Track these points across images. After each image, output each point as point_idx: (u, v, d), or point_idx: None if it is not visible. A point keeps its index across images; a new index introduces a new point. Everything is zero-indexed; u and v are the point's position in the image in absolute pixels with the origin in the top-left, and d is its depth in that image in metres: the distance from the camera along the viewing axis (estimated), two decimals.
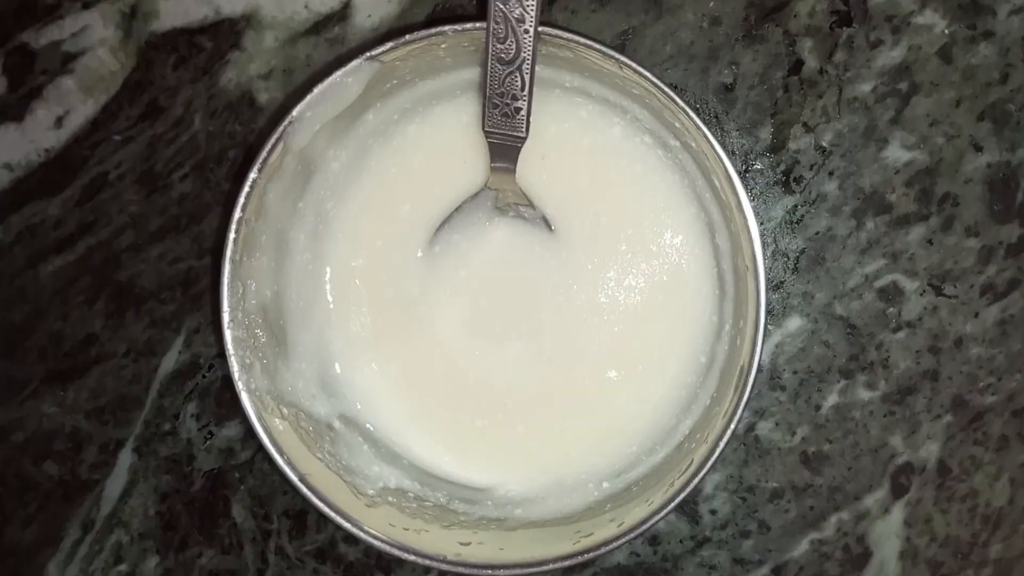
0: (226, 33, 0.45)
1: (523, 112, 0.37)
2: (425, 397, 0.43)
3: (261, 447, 0.45)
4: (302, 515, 0.46)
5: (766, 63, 0.43)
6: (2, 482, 0.47)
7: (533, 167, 0.41)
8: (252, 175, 0.37)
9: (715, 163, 0.35)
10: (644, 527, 0.35)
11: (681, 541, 0.44)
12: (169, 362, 0.47)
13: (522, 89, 0.37)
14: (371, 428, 0.42)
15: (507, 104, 0.37)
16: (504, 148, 0.39)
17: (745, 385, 0.34)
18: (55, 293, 0.47)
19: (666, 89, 0.34)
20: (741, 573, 0.44)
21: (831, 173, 0.43)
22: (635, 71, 0.34)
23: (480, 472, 0.42)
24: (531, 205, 0.41)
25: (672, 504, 0.35)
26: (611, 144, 0.41)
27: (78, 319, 0.47)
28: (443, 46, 0.37)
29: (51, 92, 0.46)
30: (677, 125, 0.36)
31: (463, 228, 0.42)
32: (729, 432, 0.34)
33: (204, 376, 0.47)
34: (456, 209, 0.42)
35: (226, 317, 0.37)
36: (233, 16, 0.45)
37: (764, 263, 0.34)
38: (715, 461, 0.35)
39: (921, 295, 0.43)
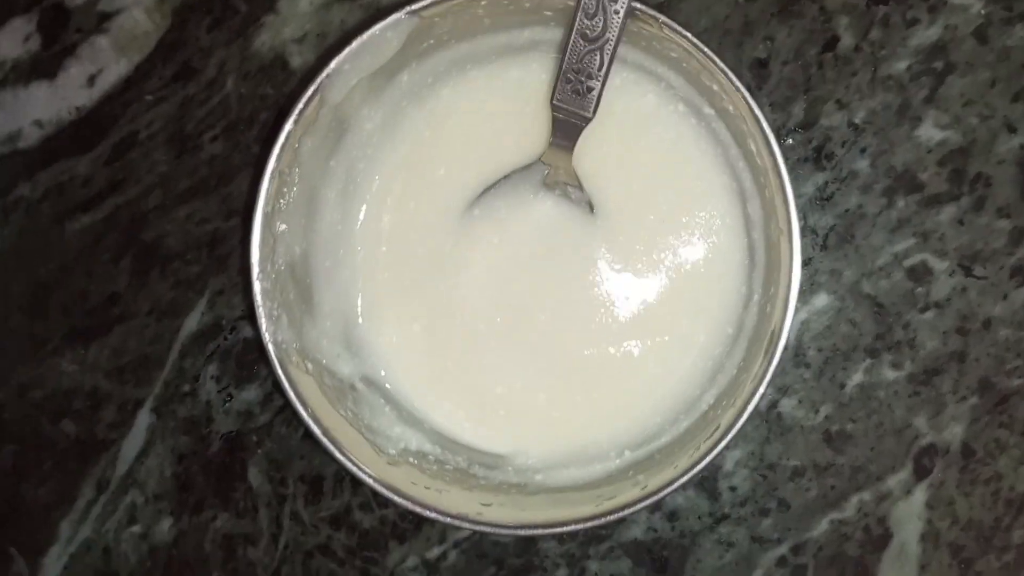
0: None
1: (595, 92, 0.37)
2: (446, 361, 0.42)
3: (281, 410, 0.46)
4: (318, 481, 0.46)
5: (801, 39, 0.43)
6: (19, 439, 0.47)
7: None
8: (288, 126, 0.37)
9: (752, 126, 0.35)
10: (668, 489, 0.35)
11: (700, 517, 0.44)
12: (192, 323, 0.47)
13: (599, 68, 0.37)
14: (391, 390, 0.42)
15: (581, 82, 0.37)
16: (568, 125, 0.39)
17: (775, 349, 0.34)
18: (81, 251, 0.47)
19: (705, 50, 0.34)
20: (759, 551, 0.44)
21: (863, 150, 0.43)
22: (674, 30, 0.35)
23: (500, 439, 0.42)
24: (580, 187, 0.41)
25: (698, 467, 0.35)
26: (644, 111, 0.41)
27: (103, 277, 0.47)
28: (483, 3, 0.37)
29: (85, 50, 0.47)
30: (715, 88, 0.36)
31: (506, 196, 0.42)
32: (758, 395, 0.34)
33: (226, 338, 0.47)
34: (504, 177, 0.41)
35: (255, 269, 0.37)
36: None
37: (799, 225, 0.34)
38: (743, 425, 0.34)
39: (950, 275, 0.43)
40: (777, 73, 0.43)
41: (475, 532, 0.44)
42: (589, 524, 0.35)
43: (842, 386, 0.43)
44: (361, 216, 0.43)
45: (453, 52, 0.41)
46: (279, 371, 0.37)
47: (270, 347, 0.37)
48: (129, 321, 0.47)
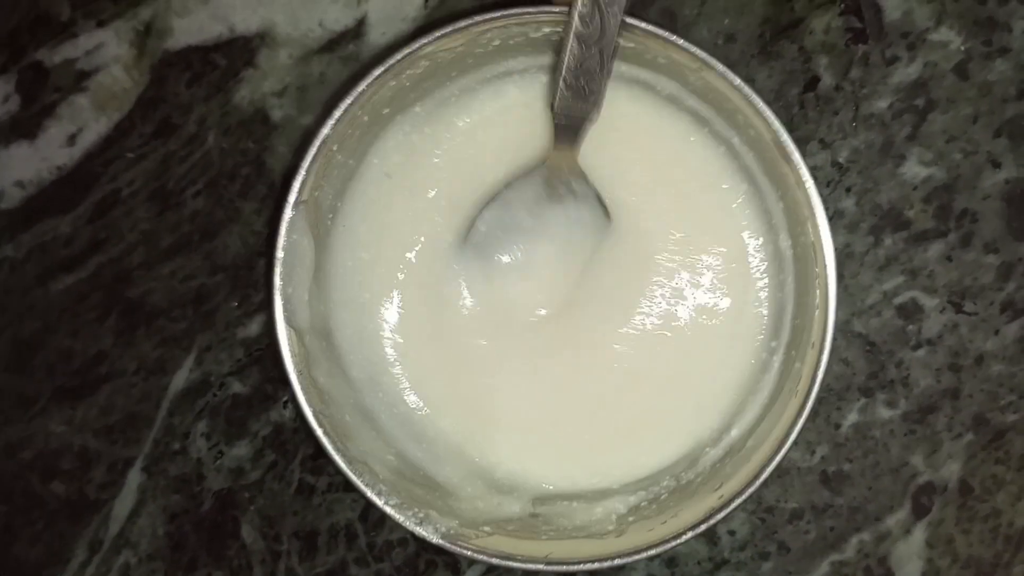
0: (240, 51, 0.45)
1: (597, 92, 0.37)
2: (468, 391, 0.42)
3: (272, 465, 0.46)
4: (312, 536, 0.46)
5: (781, 79, 0.43)
6: (9, 500, 0.47)
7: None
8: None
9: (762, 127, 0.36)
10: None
11: (699, 563, 0.44)
12: (179, 380, 0.46)
13: (600, 69, 0.36)
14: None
15: (581, 85, 0.37)
16: (570, 130, 0.38)
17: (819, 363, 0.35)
18: (65, 310, 0.47)
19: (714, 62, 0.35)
20: None
21: (848, 189, 0.43)
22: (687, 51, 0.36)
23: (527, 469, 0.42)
24: (586, 180, 0.40)
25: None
26: (647, 123, 0.41)
27: (88, 336, 0.47)
28: (459, 47, 0.37)
29: (64, 109, 0.46)
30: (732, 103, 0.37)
31: (511, 210, 0.41)
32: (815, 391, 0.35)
33: (215, 395, 0.46)
34: (507, 187, 0.41)
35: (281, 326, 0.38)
36: (247, 34, 0.45)
37: (831, 247, 0.35)
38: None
39: (941, 312, 0.43)
40: None
41: None
42: (612, 562, 0.36)
43: (837, 426, 0.43)
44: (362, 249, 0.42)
45: (442, 91, 0.41)
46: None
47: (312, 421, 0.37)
48: (116, 380, 0.46)
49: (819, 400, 0.43)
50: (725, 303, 0.41)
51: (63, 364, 0.47)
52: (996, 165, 0.42)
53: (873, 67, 0.42)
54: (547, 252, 0.41)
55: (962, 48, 0.42)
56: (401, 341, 0.42)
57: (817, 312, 0.37)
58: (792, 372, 0.38)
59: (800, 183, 0.36)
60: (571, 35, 0.36)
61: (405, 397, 0.42)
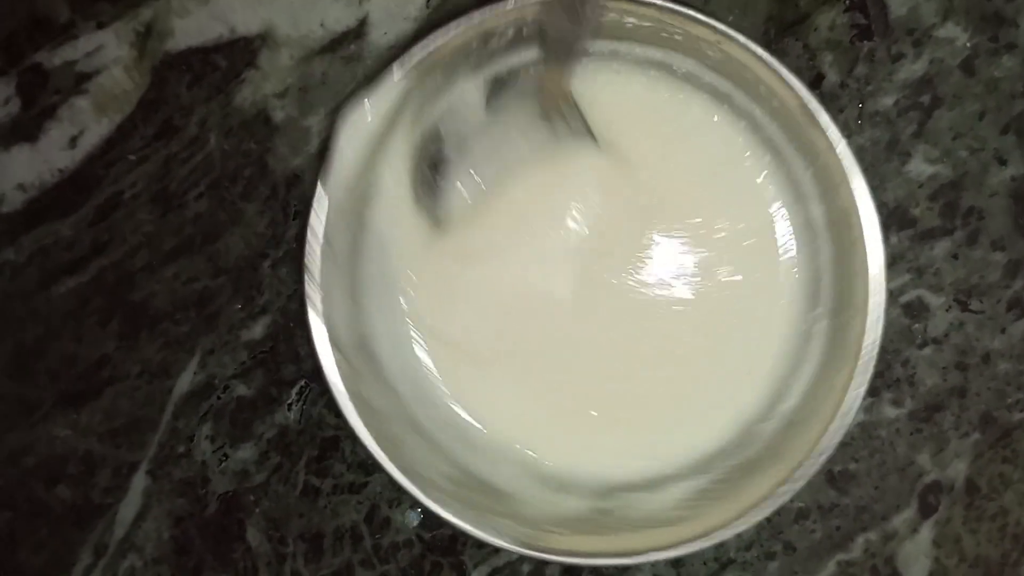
0: (241, 52, 0.45)
1: (590, 15, 0.36)
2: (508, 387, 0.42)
3: (277, 468, 0.45)
4: (318, 538, 0.46)
5: None
6: (13, 506, 0.47)
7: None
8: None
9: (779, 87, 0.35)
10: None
11: (705, 563, 0.44)
12: (184, 383, 0.46)
13: None
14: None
15: (573, 3, 0.35)
16: (561, 47, 0.37)
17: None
18: (68, 314, 0.46)
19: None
20: None
21: None
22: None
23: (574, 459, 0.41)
24: (576, 107, 0.39)
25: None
26: (672, 106, 0.40)
27: (91, 340, 0.46)
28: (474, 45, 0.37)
29: (65, 112, 0.46)
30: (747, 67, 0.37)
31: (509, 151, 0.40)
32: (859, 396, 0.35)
33: (219, 397, 0.46)
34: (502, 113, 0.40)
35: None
36: (248, 35, 0.45)
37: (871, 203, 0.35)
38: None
39: (947, 311, 0.43)
40: None
41: None
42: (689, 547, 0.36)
43: None
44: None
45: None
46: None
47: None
48: (120, 383, 0.46)
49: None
50: (756, 275, 0.40)
51: (66, 369, 0.46)
52: (1003, 162, 0.42)
53: (878, 64, 0.42)
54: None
55: (968, 44, 0.42)
56: (434, 344, 0.42)
57: (858, 276, 0.36)
58: (841, 340, 0.38)
59: (831, 147, 0.36)
60: None
61: (449, 404, 0.42)
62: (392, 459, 0.37)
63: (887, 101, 0.42)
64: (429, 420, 0.41)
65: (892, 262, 0.43)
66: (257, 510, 0.46)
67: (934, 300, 0.43)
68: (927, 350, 0.43)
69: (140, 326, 0.46)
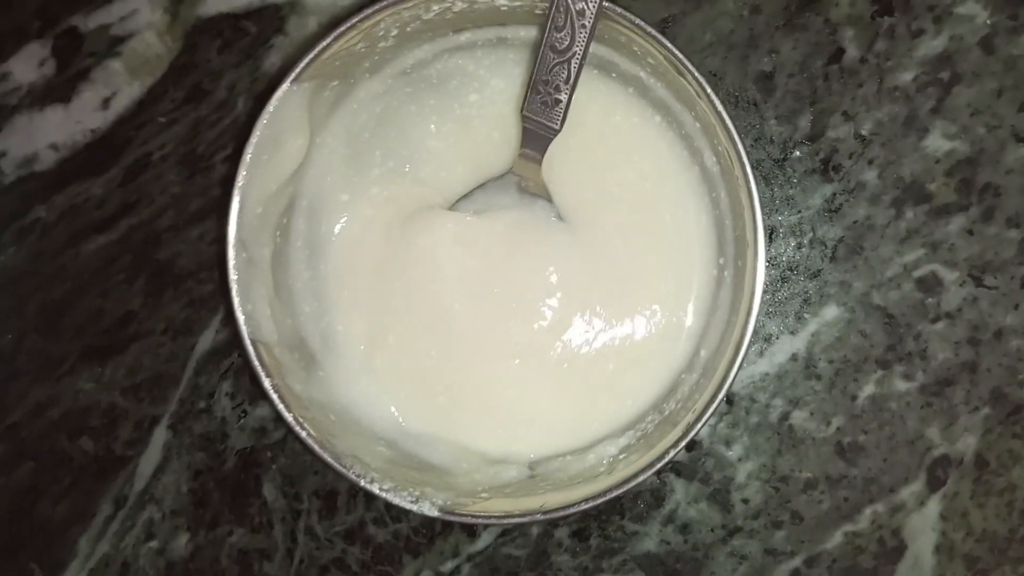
0: (270, 18, 0.46)
1: (563, 104, 0.38)
2: (429, 373, 0.43)
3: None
4: (332, 495, 0.46)
5: (806, 52, 0.43)
6: (37, 457, 0.48)
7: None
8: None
9: (715, 121, 0.36)
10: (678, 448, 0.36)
11: (712, 530, 0.44)
12: (206, 341, 0.47)
13: (566, 82, 0.37)
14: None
15: (550, 94, 0.38)
16: (537, 136, 0.39)
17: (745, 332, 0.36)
18: (95, 271, 0.48)
19: (669, 45, 0.35)
20: (773, 564, 0.44)
21: (871, 162, 0.43)
22: (634, 24, 0.36)
23: (500, 440, 0.42)
24: (549, 198, 0.42)
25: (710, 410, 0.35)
26: (616, 122, 0.41)
27: (117, 297, 0.47)
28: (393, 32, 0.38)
29: (98, 74, 0.47)
30: (690, 91, 0.37)
31: (482, 202, 0.42)
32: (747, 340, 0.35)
33: (240, 356, 0.47)
34: (479, 187, 0.42)
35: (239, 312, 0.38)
36: (278, 1, 0.46)
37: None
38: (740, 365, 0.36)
39: (961, 286, 0.43)
40: (783, 86, 0.43)
41: (487, 547, 0.45)
42: (604, 498, 0.36)
43: (854, 398, 0.43)
44: (336, 230, 0.43)
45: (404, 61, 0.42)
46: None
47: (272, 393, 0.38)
48: (144, 339, 0.47)
49: (836, 371, 0.43)
50: (666, 223, 0.41)
51: (92, 324, 0.48)
52: (1020, 139, 0.42)
53: (898, 40, 0.42)
54: (507, 242, 0.42)
55: (988, 22, 0.42)
56: (368, 342, 0.43)
57: (747, 215, 0.37)
58: (740, 283, 0.38)
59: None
60: (544, 44, 0.37)
61: (385, 394, 0.43)
62: (322, 444, 0.38)
63: (906, 77, 0.43)
64: (363, 407, 0.43)
65: (906, 236, 0.43)
66: (274, 467, 0.47)
67: (948, 275, 0.43)
68: (940, 324, 0.43)
69: (165, 284, 0.47)
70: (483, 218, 0.42)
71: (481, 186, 0.42)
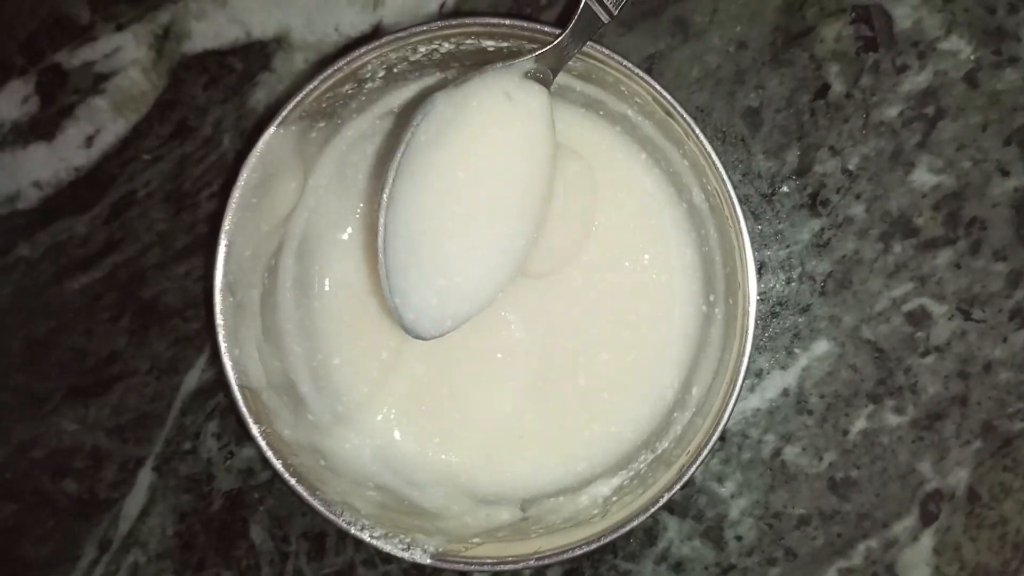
0: (257, 55, 0.46)
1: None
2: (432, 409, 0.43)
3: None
4: (320, 537, 0.46)
5: (792, 87, 0.43)
6: (20, 498, 0.47)
7: None
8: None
9: (703, 158, 0.36)
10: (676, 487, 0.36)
11: (706, 568, 0.44)
12: (192, 380, 0.47)
13: None
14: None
15: None
16: (589, 18, 0.37)
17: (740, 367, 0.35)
18: (80, 309, 0.47)
19: (660, 90, 0.35)
20: None
21: (858, 196, 0.43)
22: (623, 66, 0.35)
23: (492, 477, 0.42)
24: (549, 84, 0.38)
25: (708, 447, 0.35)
26: (602, 150, 0.41)
27: (102, 335, 0.47)
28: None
29: (82, 111, 0.47)
30: (676, 129, 0.37)
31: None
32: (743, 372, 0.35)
33: (226, 395, 0.46)
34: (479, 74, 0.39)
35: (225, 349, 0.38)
36: (264, 38, 0.46)
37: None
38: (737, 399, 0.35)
39: (949, 319, 0.43)
40: (770, 121, 0.43)
41: None
42: (598, 543, 0.36)
43: (845, 432, 0.43)
44: (329, 270, 0.43)
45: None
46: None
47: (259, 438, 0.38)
48: (129, 379, 0.47)
49: (827, 406, 0.43)
50: (651, 260, 0.41)
51: (76, 363, 0.47)
52: (1005, 173, 0.43)
53: (883, 75, 0.43)
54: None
55: (972, 57, 0.43)
56: (361, 381, 0.43)
57: (736, 254, 0.37)
58: (732, 321, 0.38)
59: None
60: None
61: (377, 434, 0.43)
62: (312, 492, 0.38)
63: (892, 112, 0.43)
64: (353, 449, 0.42)
65: (895, 270, 0.43)
66: (261, 508, 0.46)
67: (937, 309, 0.43)
68: (929, 358, 0.43)
69: (150, 323, 0.47)
70: None
71: (480, 73, 0.39)
